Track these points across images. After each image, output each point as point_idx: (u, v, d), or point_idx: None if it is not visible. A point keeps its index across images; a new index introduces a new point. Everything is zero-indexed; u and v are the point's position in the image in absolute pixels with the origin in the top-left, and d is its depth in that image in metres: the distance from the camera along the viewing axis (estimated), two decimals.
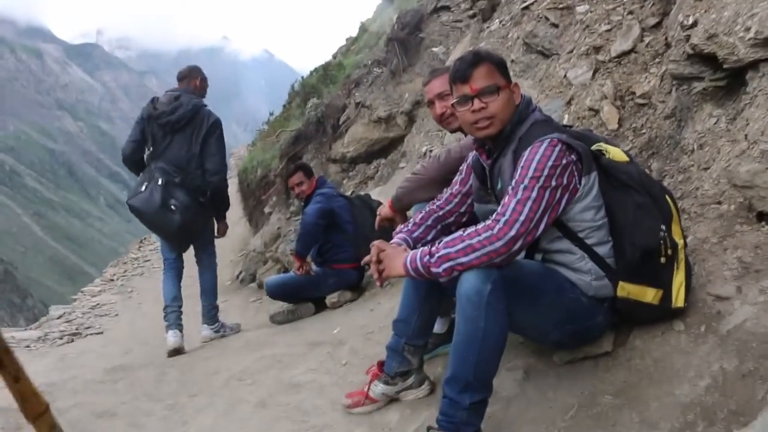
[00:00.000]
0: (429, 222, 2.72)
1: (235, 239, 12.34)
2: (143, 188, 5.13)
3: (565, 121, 4.30)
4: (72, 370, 5.22)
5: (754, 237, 2.47)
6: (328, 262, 5.63)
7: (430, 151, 6.77)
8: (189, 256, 5.68)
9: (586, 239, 2.33)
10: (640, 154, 3.64)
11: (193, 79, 5.55)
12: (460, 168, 2.79)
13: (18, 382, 1.32)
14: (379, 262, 2.41)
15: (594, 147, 2.44)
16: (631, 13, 4.32)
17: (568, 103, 4.44)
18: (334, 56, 12.74)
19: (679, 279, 2.35)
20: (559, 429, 2.31)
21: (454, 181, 2.78)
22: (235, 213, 10.59)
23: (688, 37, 3.12)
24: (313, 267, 5.69)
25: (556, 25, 5.07)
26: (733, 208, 2.66)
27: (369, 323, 4.26)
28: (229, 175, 14.32)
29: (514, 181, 2.22)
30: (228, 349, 4.97)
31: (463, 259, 2.14)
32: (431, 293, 2.74)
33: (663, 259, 2.31)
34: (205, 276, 5.66)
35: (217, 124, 5.34)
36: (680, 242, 2.37)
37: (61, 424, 1.43)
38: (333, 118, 8.80)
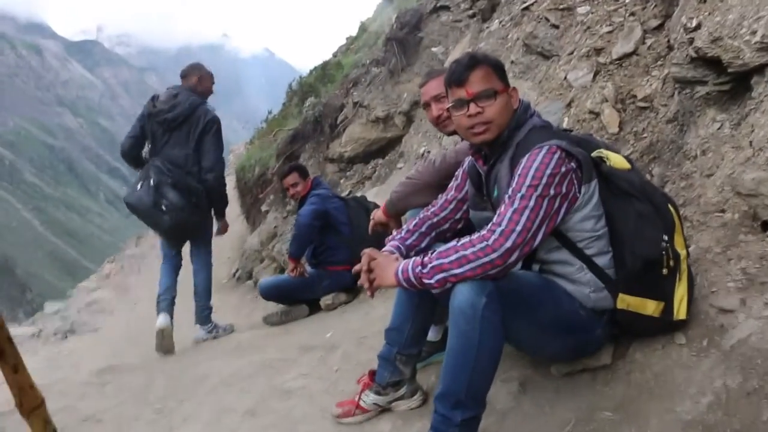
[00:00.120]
0: (423, 229, 2.64)
1: (233, 236, 12.24)
2: (139, 186, 5.19)
3: (564, 124, 4.22)
4: (61, 370, 5.17)
5: (759, 247, 2.38)
6: (323, 264, 5.55)
7: (428, 151, 6.68)
8: (188, 253, 5.67)
9: (585, 249, 2.25)
10: (641, 158, 3.56)
11: (193, 77, 5.52)
12: (456, 173, 2.71)
13: (17, 372, 1.36)
14: (369, 271, 2.33)
15: (594, 153, 2.36)
16: (632, 14, 4.24)
17: (568, 105, 4.35)
18: (335, 55, 12.66)
19: (681, 291, 2.27)
20: None
21: (449, 186, 2.71)
22: (232, 210, 10.51)
23: (691, 40, 3.04)
24: (308, 268, 5.61)
25: (556, 26, 4.98)
26: (738, 216, 2.57)
27: (362, 327, 4.18)
28: (228, 173, 14.28)
29: (511, 190, 2.14)
30: (219, 351, 4.89)
31: (457, 271, 2.06)
32: (425, 301, 2.66)
33: (665, 271, 2.23)
34: (199, 276, 5.60)
35: (213, 122, 5.29)
36: (682, 253, 2.29)
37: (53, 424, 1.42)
38: (330, 117, 8.70)
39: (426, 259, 2.14)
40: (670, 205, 2.33)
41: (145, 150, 5.49)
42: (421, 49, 8.10)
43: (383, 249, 2.51)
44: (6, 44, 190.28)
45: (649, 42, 4.00)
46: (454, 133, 3.04)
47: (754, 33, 2.64)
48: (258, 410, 3.27)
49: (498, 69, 2.36)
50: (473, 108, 2.29)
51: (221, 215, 5.75)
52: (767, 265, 2.31)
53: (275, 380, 3.68)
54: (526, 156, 2.17)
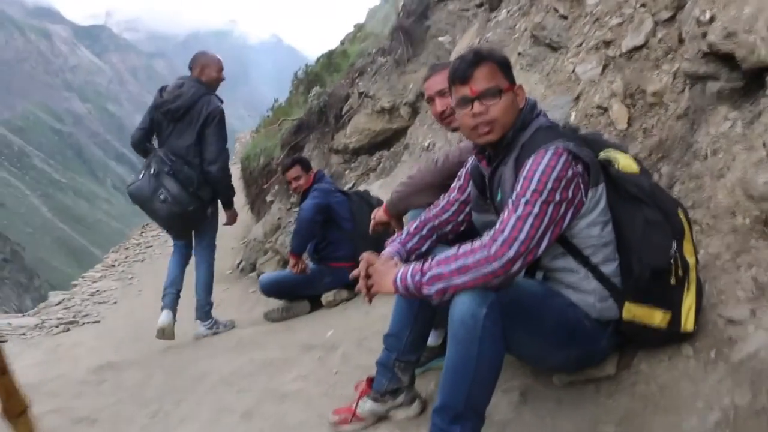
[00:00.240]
0: (424, 232, 2.55)
1: (238, 226, 12.22)
2: (141, 176, 5.22)
3: (572, 119, 4.12)
4: (60, 365, 5.13)
5: None
6: (325, 260, 5.48)
7: (433, 144, 6.59)
8: None
9: (591, 257, 2.15)
10: (650, 156, 3.45)
11: (197, 68, 5.46)
12: (459, 174, 2.61)
13: (4, 375, 1.32)
14: (367, 276, 2.25)
15: (602, 155, 2.26)
16: (643, 5, 4.10)
17: (576, 99, 4.24)
18: (342, 42, 12.54)
19: (689, 300, 2.18)
20: None
21: (451, 187, 2.61)
22: (238, 200, 10.46)
23: (704, 34, 2.93)
24: (309, 264, 5.54)
25: (565, 17, 4.86)
26: (749, 221, 2.46)
27: (363, 326, 4.11)
28: (234, 161, 14.26)
29: (514, 194, 2.04)
30: (219, 348, 4.84)
31: (457, 280, 1.97)
32: (424, 308, 2.57)
33: (673, 280, 2.13)
34: (200, 270, 5.55)
35: (214, 114, 5.22)
36: (692, 261, 2.19)
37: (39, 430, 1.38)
38: (336, 107, 8.61)
39: (425, 266, 2.05)
40: (680, 211, 2.23)
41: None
42: (428, 39, 7.98)
43: (382, 252, 2.43)
44: (15, 29, 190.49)
45: (659, 35, 3.88)
46: (458, 129, 2.94)
47: None
48: (255, 413, 3.21)
49: (504, 66, 2.26)
50: (477, 107, 2.19)
51: (229, 205, 5.73)
52: None
53: (274, 381, 3.62)
54: (531, 158, 2.08)
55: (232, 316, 6.08)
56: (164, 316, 5.29)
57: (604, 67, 4.13)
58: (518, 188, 2.04)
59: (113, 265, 13.86)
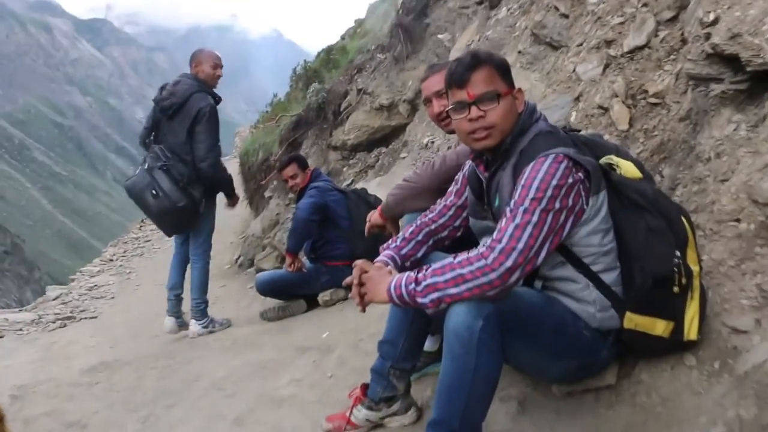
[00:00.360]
0: (419, 237, 2.49)
1: (237, 221, 12.21)
2: (137, 171, 5.26)
3: (572, 119, 4.05)
4: (54, 364, 5.06)
5: None
6: (322, 259, 5.42)
7: (432, 142, 6.53)
8: None
9: (591, 266, 2.09)
10: (652, 157, 3.39)
11: (193, 64, 5.49)
12: (456, 177, 2.55)
13: None
14: (361, 284, 2.18)
15: (603, 160, 2.20)
16: (645, 5, 4.04)
17: (576, 99, 4.18)
18: (342, 38, 12.45)
19: (692, 309, 2.12)
20: None
21: (448, 191, 2.55)
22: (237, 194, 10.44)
23: (708, 35, 2.86)
24: (306, 263, 5.48)
25: (566, 16, 4.79)
26: (753, 227, 2.39)
27: (360, 328, 4.04)
28: (234, 155, 14.15)
29: (513, 202, 1.98)
30: (214, 349, 4.79)
31: (453, 291, 1.91)
32: (420, 314, 2.50)
33: (676, 289, 2.06)
34: (195, 269, 5.53)
35: (204, 111, 5.19)
36: (695, 269, 2.13)
37: None
38: (334, 104, 8.54)
39: (420, 275, 2.00)
40: (683, 218, 2.17)
41: None
42: (427, 36, 7.91)
43: (376, 259, 2.37)
44: (15, 22, 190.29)
45: (662, 34, 3.81)
46: (455, 132, 2.89)
47: None
48: (247, 419, 3.16)
49: (502, 69, 2.20)
50: (474, 111, 2.13)
51: (230, 196, 5.77)
52: None
53: (268, 385, 3.56)
54: (530, 165, 2.01)
55: (228, 313, 6.05)
56: (168, 323, 5.54)
57: (606, 66, 4.06)
58: (516, 196, 1.98)
59: (111, 260, 13.80)
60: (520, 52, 5.17)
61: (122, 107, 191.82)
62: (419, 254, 2.47)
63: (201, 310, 5.48)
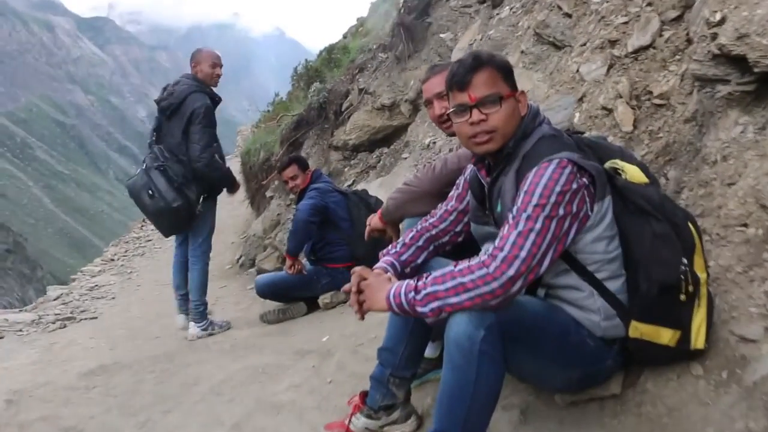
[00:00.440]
0: (420, 242, 2.43)
1: (238, 220, 12.18)
2: (137, 171, 5.29)
3: (575, 120, 4.00)
4: (53, 366, 5.01)
5: None
6: (322, 261, 5.38)
7: (434, 142, 6.48)
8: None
9: (596, 273, 2.04)
10: (656, 159, 3.33)
11: (192, 64, 5.47)
12: (457, 181, 2.50)
13: None
14: (360, 292, 2.13)
15: (608, 164, 2.15)
16: (650, 4, 3.98)
17: (580, 100, 4.12)
18: (344, 36, 12.40)
19: (699, 318, 2.06)
20: None
21: (449, 195, 2.50)
22: (238, 194, 10.42)
23: (714, 36, 2.81)
24: (306, 265, 5.44)
25: (569, 15, 4.74)
26: (762, 232, 2.34)
27: (360, 332, 4.00)
28: (235, 154, 14.09)
29: (515, 208, 1.93)
30: (213, 352, 4.74)
31: (453, 300, 1.86)
32: (420, 322, 2.44)
33: (683, 297, 2.01)
34: (194, 270, 5.49)
35: (198, 112, 5.16)
36: (702, 276, 2.07)
37: None
38: (335, 104, 8.49)
39: (420, 284, 1.94)
40: (690, 223, 2.12)
41: None
42: (429, 35, 7.85)
43: (376, 266, 2.31)
44: (17, 20, 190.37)
45: (666, 34, 3.76)
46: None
47: None
48: (245, 426, 3.11)
49: (505, 71, 2.14)
50: (476, 115, 2.08)
51: (230, 188, 5.74)
52: None
53: (266, 390, 3.52)
54: (533, 170, 1.96)
55: (228, 315, 6.01)
56: (179, 320, 5.68)
57: (610, 67, 4.01)
58: (519, 202, 1.93)
59: (112, 259, 13.76)
60: (522, 51, 5.12)
61: (124, 106, 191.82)
62: (420, 260, 2.42)
63: (200, 312, 5.43)
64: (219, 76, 5.48)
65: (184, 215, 5.22)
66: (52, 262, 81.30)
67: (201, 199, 5.31)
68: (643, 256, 2.03)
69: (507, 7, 6.13)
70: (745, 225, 2.43)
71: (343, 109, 8.40)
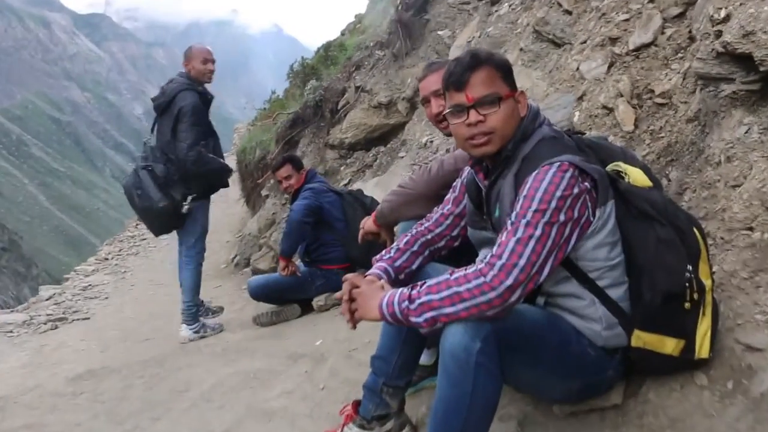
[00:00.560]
0: (415, 247, 2.35)
1: (234, 219, 12.09)
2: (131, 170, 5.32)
3: (575, 119, 3.93)
4: (41, 370, 4.93)
5: None
6: (316, 262, 5.31)
7: (431, 141, 6.40)
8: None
9: (597, 281, 1.96)
10: (658, 160, 3.26)
11: (184, 62, 5.40)
12: (454, 184, 2.42)
13: None
14: (351, 300, 2.05)
15: (610, 167, 2.07)
16: (651, 1, 3.92)
17: (580, 99, 4.05)
18: (342, 33, 12.32)
19: (704, 326, 1.99)
20: None
21: (446, 199, 2.42)
22: (233, 192, 10.37)
23: (718, 33, 2.74)
24: (300, 267, 5.36)
25: (569, 12, 4.68)
26: None
27: (353, 336, 3.90)
28: (231, 152, 14.02)
29: (514, 214, 1.85)
30: (204, 355, 4.67)
31: (449, 310, 1.77)
32: (413, 332, 2.34)
33: (687, 305, 1.94)
34: (184, 271, 5.42)
35: (185, 110, 5.10)
36: (708, 283, 2.00)
37: None
38: (332, 102, 8.42)
39: (414, 293, 1.86)
40: (695, 229, 2.04)
41: None
42: (427, 33, 7.80)
43: (369, 272, 2.23)
44: (13, 16, 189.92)
45: (668, 32, 3.69)
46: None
47: None
48: None
49: (504, 70, 2.06)
50: (473, 116, 1.99)
51: (224, 184, 5.69)
52: None
53: (258, 396, 3.45)
54: (533, 174, 1.88)
55: (222, 316, 5.93)
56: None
57: (610, 65, 3.95)
58: (518, 207, 1.85)
59: (106, 258, 13.67)
60: (521, 49, 5.05)
61: (121, 103, 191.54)
62: (414, 266, 2.33)
63: (192, 314, 5.35)
64: (212, 71, 5.39)
65: (169, 216, 5.18)
66: (47, 260, 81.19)
67: (189, 198, 5.22)
68: (647, 263, 1.96)
69: (506, 4, 6.08)
70: (751, 228, 2.36)
71: (339, 107, 8.34)
